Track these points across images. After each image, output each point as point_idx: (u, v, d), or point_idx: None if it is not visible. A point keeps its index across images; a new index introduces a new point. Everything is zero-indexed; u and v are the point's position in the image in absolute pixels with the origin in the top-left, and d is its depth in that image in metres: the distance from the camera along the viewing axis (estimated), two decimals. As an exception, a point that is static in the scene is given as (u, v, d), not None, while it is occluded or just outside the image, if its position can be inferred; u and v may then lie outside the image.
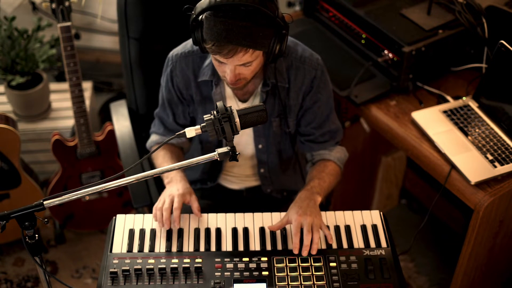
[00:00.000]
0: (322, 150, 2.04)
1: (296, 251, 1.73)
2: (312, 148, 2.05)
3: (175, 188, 1.88)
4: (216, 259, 1.72)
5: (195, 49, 1.94)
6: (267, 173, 2.12)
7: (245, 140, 2.05)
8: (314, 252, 1.73)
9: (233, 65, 1.72)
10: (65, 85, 3.05)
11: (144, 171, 1.67)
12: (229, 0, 1.61)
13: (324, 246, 1.77)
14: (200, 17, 1.69)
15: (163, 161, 2.01)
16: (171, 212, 1.81)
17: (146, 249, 1.76)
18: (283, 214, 1.86)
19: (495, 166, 2.02)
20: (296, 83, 1.94)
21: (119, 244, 1.77)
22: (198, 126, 1.55)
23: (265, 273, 1.69)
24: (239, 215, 1.87)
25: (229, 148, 1.56)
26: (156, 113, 2.12)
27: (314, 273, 1.69)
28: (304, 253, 1.72)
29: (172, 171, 1.91)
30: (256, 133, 2.02)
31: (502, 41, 2.05)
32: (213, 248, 1.77)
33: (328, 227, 1.82)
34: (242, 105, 1.96)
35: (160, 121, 2.11)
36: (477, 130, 2.14)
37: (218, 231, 1.82)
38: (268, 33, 1.68)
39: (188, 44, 1.98)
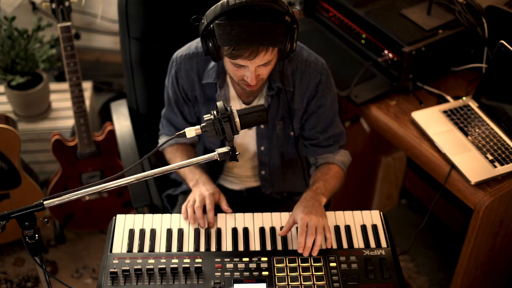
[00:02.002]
0: (326, 153, 2.04)
1: (301, 250, 1.73)
2: (316, 152, 2.05)
3: (204, 188, 1.90)
4: (216, 259, 1.72)
5: (199, 51, 1.94)
6: (267, 175, 2.12)
7: (247, 141, 2.05)
8: (315, 254, 1.73)
9: (254, 67, 1.72)
10: (65, 85, 3.05)
11: (144, 171, 1.67)
12: (242, 2, 1.60)
13: (324, 246, 1.77)
14: (212, 25, 1.68)
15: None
16: (204, 212, 1.84)
17: (146, 249, 1.76)
18: (283, 214, 1.86)
19: (495, 166, 2.02)
20: (301, 87, 1.94)
21: (119, 244, 1.77)
22: (198, 126, 1.55)
23: (265, 273, 1.69)
24: (239, 215, 1.87)
25: (229, 148, 1.56)
26: (163, 114, 2.12)
27: (314, 273, 1.69)
28: (305, 254, 1.72)
29: (196, 173, 1.96)
30: (259, 135, 2.02)
31: (502, 41, 2.05)
32: (213, 248, 1.77)
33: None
34: None
35: (169, 122, 2.10)
36: (477, 130, 2.14)
37: (218, 231, 1.82)
38: (283, 29, 1.68)
39: (192, 46, 1.97)
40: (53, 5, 2.39)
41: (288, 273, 1.69)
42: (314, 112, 1.98)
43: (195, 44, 1.97)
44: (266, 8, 1.63)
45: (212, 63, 1.93)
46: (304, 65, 1.92)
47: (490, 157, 2.05)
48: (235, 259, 1.72)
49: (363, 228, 1.82)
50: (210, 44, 1.72)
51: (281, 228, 1.81)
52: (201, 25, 1.71)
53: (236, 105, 1.97)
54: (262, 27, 1.62)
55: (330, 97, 1.98)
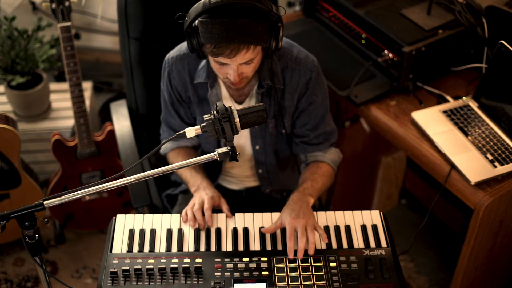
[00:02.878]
0: (316, 151, 2.04)
1: (291, 255, 1.72)
2: (306, 150, 2.05)
3: (203, 193, 1.90)
4: (216, 259, 1.72)
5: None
6: (265, 174, 2.12)
7: (243, 141, 2.05)
8: (311, 252, 1.72)
9: (236, 65, 1.72)
10: (65, 85, 3.05)
11: (144, 171, 1.67)
12: (223, 0, 1.61)
13: (324, 246, 1.77)
14: (195, 22, 1.68)
15: (185, 168, 2.01)
16: (203, 213, 1.84)
17: (146, 249, 1.76)
18: (283, 214, 1.87)
19: (495, 166, 2.02)
20: (291, 85, 1.94)
21: (119, 244, 1.77)
22: (198, 126, 1.55)
23: (265, 273, 1.69)
24: (239, 215, 1.87)
25: (229, 148, 1.55)
26: (162, 118, 2.12)
27: (314, 273, 1.69)
28: (300, 256, 1.72)
29: (198, 179, 1.96)
30: (253, 134, 2.03)
31: (502, 41, 2.05)
32: (213, 248, 1.77)
33: (327, 227, 1.82)
34: (238, 107, 1.96)
35: (168, 126, 2.10)
36: (477, 130, 2.14)
37: (218, 231, 1.82)
38: (265, 28, 1.68)
39: (183, 47, 1.98)
40: (53, 5, 2.39)
41: (288, 273, 1.69)
42: (304, 109, 1.98)
43: (186, 45, 1.97)
44: (247, 7, 1.63)
45: (203, 63, 1.93)
46: (294, 62, 1.92)
47: (490, 157, 2.05)
48: (235, 259, 1.72)
49: (363, 228, 1.82)
50: (194, 42, 1.73)
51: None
52: (185, 22, 1.72)
53: (229, 104, 1.96)
54: (243, 25, 1.63)
55: (321, 94, 1.98)
